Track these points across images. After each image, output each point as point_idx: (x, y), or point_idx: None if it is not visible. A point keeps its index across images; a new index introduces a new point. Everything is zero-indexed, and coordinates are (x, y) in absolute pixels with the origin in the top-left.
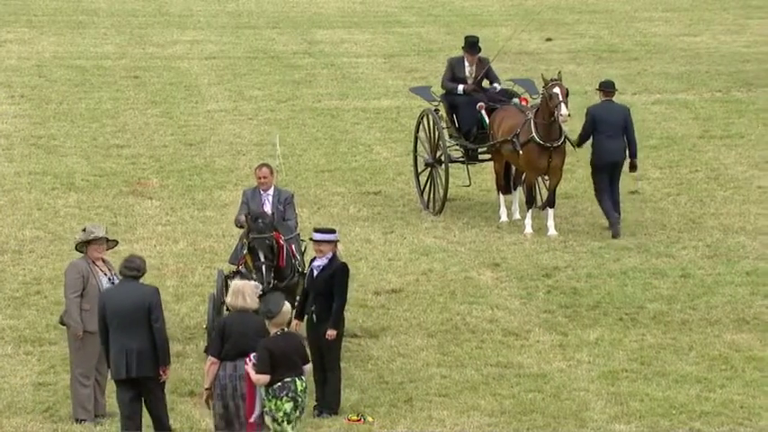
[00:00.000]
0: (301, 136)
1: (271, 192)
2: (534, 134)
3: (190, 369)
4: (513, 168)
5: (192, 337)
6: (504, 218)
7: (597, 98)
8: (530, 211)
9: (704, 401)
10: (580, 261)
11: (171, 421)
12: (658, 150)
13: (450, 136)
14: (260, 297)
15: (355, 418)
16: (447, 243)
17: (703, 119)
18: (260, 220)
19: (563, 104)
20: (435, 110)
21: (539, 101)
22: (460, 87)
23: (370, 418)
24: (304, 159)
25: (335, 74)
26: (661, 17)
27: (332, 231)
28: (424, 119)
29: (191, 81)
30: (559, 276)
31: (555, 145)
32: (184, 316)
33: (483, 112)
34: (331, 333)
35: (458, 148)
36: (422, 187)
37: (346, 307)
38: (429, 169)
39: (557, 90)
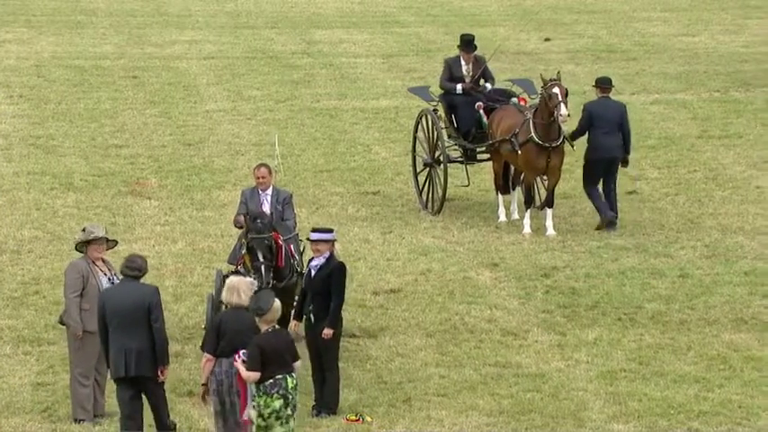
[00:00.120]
0: (300, 136)
1: (269, 192)
2: (533, 134)
3: (188, 369)
4: (513, 168)
5: (190, 337)
6: (502, 218)
7: (594, 95)
8: (528, 211)
9: (702, 401)
10: (578, 261)
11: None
12: (657, 150)
13: (449, 136)
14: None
15: (354, 417)
16: (446, 243)
17: (702, 119)
18: (259, 221)
19: (562, 104)
20: (434, 110)
21: (537, 101)
22: (459, 87)
23: (368, 418)
24: (303, 159)
25: (334, 74)
26: (659, 17)
27: (329, 231)
28: (423, 119)
29: (189, 81)
30: (558, 276)
31: (554, 145)
32: (183, 316)
33: (482, 111)
34: (327, 332)
35: (456, 147)
36: (420, 187)
37: (345, 307)
38: (428, 169)
39: (556, 90)
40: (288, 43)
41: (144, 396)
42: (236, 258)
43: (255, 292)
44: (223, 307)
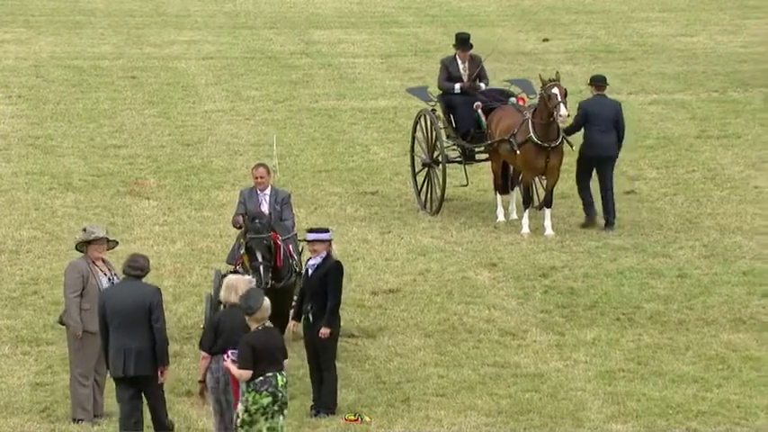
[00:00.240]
0: (298, 136)
1: (268, 192)
2: (532, 134)
3: (187, 369)
4: (512, 168)
5: (189, 337)
6: (501, 218)
7: (589, 93)
8: (527, 211)
9: (701, 401)
10: (577, 261)
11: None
12: (655, 150)
13: (448, 136)
14: None
15: (352, 417)
16: (444, 243)
17: (700, 119)
18: (257, 221)
19: (562, 105)
20: (432, 110)
21: (536, 101)
22: (457, 86)
23: (367, 418)
24: (301, 159)
25: (333, 74)
26: (658, 17)
27: (325, 231)
28: (422, 119)
29: (188, 81)
30: (556, 276)
31: (553, 145)
32: (182, 316)
33: (480, 111)
34: (324, 331)
35: (455, 147)
36: (419, 187)
37: (343, 306)
38: (426, 169)
39: (555, 91)
40: (286, 43)
41: (143, 396)
42: (235, 258)
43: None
44: (221, 306)
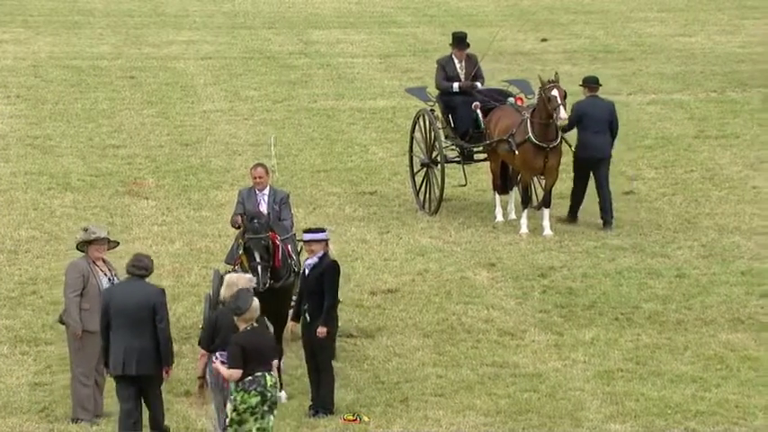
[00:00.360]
0: (297, 136)
1: (266, 192)
2: (530, 134)
3: (186, 369)
4: (511, 168)
5: (188, 337)
6: (499, 218)
7: (582, 95)
8: (525, 211)
9: (699, 401)
10: (575, 261)
11: (166, 421)
12: (653, 150)
13: (446, 136)
14: (255, 291)
15: (351, 417)
16: (443, 243)
17: (698, 119)
18: (256, 221)
19: (561, 108)
20: (431, 110)
21: (534, 101)
22: (456, 85)
23: (365, 418)
24: (300, 159)
25: (331, 74)
26: (656, 17)
27: (321, 230)
28: (420, 119)
29: (187, 81)
30: (555, 276)
31: (551, 145)
32: (180, 316)
33: (479, 111)
34: (321, 330)
35: (454, 147)
36: (418, 187)
37: (342, 306)
38: (425, 169)
39: (555, 93)
40: (285, 43)
41: (142, 395)
42: (234, 258)
43: (255, 290)
44: (220, 305)
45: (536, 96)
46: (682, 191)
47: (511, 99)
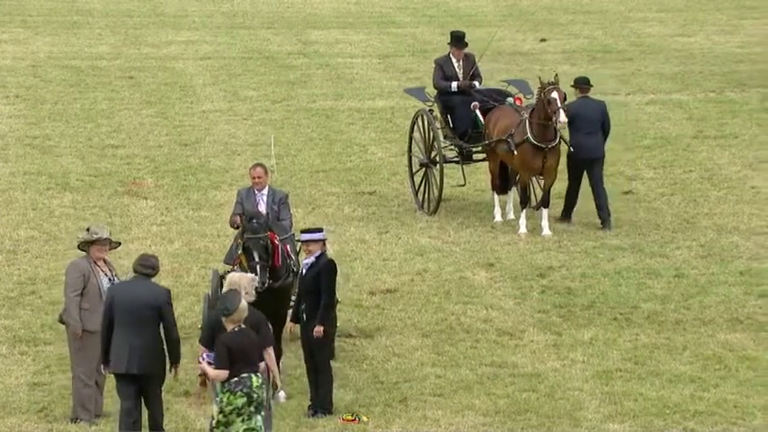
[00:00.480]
0: (296, 136)
1: (265, 192)
2: (529, 134)
3: (185, 369)
4: (510, 168)
5: (187, 337)
6: (498, 218)
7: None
8: (524, 211)
9: (698, 401)
10: (574, 261)
11: (165, 421)
12: (652, 150)
13: (445, 136)
14: (256, 291)
15: (350, 417)
16: (442, 243)
17: (697, 119)
18: (254, 221)
19: (561, 111)
20: (430, 110)
21: (533, 101)
22: (454, 84)
23: (364, 418)
24: (299, 159)
25: (330, 74)
26: (655, 18)
27: (318, 230)
28: (419, 119)
29: (186, 81)
30: (554, 276)
31: (550, 146)
32: (179, 316)
33: (478, 112)
34: (318, 329)
35: (452, 148)
36: (416, 187)
37: (341, 306)
38: (424, 169)
39: (555, 95)
40: (284, 44)
41: (142, 395)
42: (233, 258)
43: (257, 290)
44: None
45: (535, 97)
46: (680, 191)
47: (510, 99)
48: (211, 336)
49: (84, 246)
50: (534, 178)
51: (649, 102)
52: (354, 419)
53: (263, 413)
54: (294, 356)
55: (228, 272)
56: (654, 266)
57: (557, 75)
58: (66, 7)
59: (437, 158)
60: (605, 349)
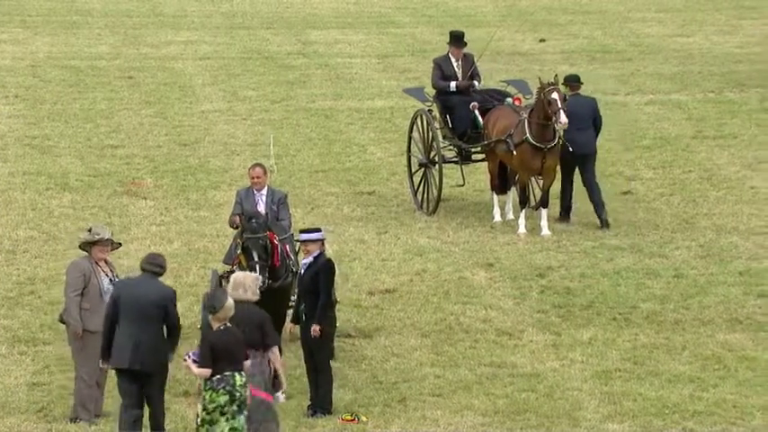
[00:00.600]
0: (295, 136)
1: (264, 192)
2: (528, 135)
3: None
4: (509, 168)
5: (186, 337)
6: (497, 218)
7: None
8: (523, 211)
9: (697, 401)
10: (573, 261)
11: (166, 420)
12: (651, 151)
13: (444, 136)
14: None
15: (349, 417)
16: (441, 243)
17: (696, 119)
18: (254, 220)
19: (562, 112)
20: (429, 110)
21: (533, 101)
22: (453, 84)
23: (364, 418)
24: (298, 159)
25: (329, 74)
26: (654, 18)
27: (317, 230)
28: (418, 119)
29: (185, 81)
30: (553, 276)
31: (549, 146)
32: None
33: (477, 112)
34: (315, 328)
35: (451, 148)
36: (416, 187)
37: (340, 306)
38: (423, 169)
39: (555, 96)
40: (283, 44)
41: (143, 393)
42: (232, 258)
43: (261, 288)
44: None
45: (534, 97)
46: (679, 191)
47: (509, 99)
48: None
49: (86, 246)
50: (533, 178)
51: (648, 102)
52: (354, 419)
53: (245, 413)
54: (294, 356)
55: (228, 272)
56: (653, 266)
57: (556, 75)
58: (66, 7)
59: (436, 158)
60: (604, 349)
